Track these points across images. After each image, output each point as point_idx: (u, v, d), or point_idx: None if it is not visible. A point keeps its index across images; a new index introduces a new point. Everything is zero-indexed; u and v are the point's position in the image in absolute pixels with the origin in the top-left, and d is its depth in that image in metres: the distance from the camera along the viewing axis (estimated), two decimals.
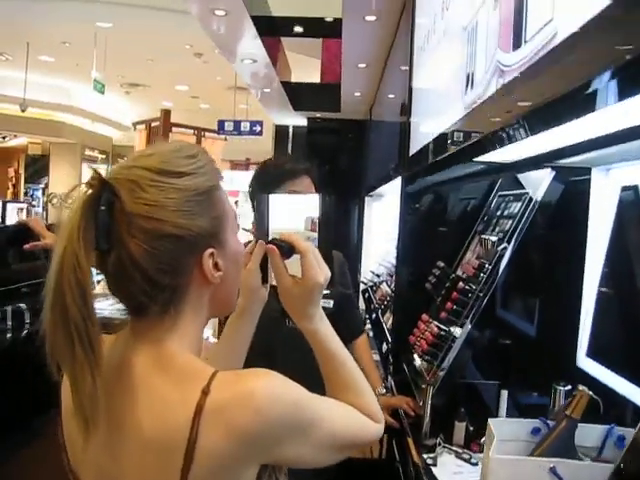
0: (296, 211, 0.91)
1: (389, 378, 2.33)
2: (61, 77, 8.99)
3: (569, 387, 1.30)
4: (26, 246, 1.76)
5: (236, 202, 10.54)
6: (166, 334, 0.71)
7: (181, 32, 5.97)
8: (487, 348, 1.67)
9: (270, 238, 0.86)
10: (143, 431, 0.66)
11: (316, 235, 0.89)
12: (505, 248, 1.63)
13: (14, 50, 7.57)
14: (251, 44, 4.42)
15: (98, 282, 1.73)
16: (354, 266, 5.43)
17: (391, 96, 3.88)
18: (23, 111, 8.24)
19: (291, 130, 7.59)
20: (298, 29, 4.79)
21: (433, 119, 1.98)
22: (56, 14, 6.11)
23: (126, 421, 0.67)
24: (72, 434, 0.73)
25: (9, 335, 3.01)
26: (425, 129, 2.14)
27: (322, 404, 0.75)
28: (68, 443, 0.77)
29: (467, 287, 1.74)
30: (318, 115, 6.98)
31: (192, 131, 10.87)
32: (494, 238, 1.74)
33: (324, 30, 4.81)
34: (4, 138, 11.44)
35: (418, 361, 1.86)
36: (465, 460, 1.45)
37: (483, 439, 1.40)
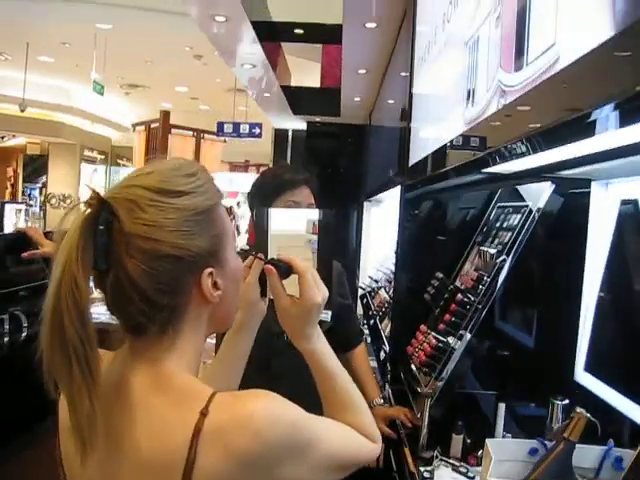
0: (296, 222, 0.91)
1: (386, 386, 2.32)
2: (61, 78, 8.97)
3: (567, 401, 1.31)
4: (24, 254, 1.76)
5: (238, 203, 10.55)
6: (164, 354, 0.71)
7: (181, 34, 5.96)
8: (485, 359, 1.67)
9: (270, 250, 0.87)
10: (141, 451, 0.65)
11: (316, 238, 0.89)
12: (504, 261, 1.63)
13: (14, 50, 7.55)
14: (251, 49, 4.42)
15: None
16: (352, 271, 5.42)
17: (391, 102, 3.88)
18: (22, 111, 8.21)
19: (290, 134, 7.57)
20: (298, 32, 4.79)
21: (433, 129, 1.98)
22: (56, 15, 6.10)
23: (124, 441, 0.67)
24: (69, 451, 0.73)
25: (6, 339, 3.00)
26: (425, 137, 2.14)
27: (320, 424, 0.74)
28: (65, 459, 0.76)
29: (465, 299, 1.73)
30: (318, 119, 6.97)
31: (191, 133, 10.85)
32: (493, 250, 1.73)
33: (324, 36, 4.81)
34: (3, 138, 11.40)
35: (416, 372, 1.86)
36: (462, 474, 1.45)
37: (480, 452, 1.40)
